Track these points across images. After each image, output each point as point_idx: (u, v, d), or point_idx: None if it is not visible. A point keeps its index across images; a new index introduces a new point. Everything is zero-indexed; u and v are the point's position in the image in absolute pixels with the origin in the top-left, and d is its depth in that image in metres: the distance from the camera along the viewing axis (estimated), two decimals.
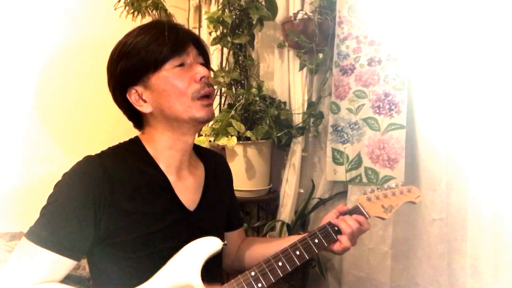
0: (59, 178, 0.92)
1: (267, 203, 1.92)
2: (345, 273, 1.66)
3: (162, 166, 0.99)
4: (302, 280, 1.69)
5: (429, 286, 1.45)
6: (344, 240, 1.01)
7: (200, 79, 0.95)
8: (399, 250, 1.53)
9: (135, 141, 1.01)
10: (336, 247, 1.02)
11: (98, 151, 0.98)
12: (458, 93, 1.34)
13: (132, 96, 0.96)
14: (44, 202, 0.89)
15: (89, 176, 0.89)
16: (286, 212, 1.77)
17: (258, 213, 1.95)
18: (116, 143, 1.03)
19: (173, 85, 0.93)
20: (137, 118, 1.02)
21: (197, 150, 1.14)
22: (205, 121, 0.99)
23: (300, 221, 1.75)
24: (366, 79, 1.56)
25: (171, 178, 0.99)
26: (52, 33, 1.78)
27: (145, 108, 0.96)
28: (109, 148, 1.00)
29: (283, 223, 1.73)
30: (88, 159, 0.93)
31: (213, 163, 1.14)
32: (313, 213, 1.77)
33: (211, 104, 0.99)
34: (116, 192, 0.89)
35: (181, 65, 0.95)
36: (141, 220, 0.91)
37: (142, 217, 0.92)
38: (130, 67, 0.93)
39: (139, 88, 0.95)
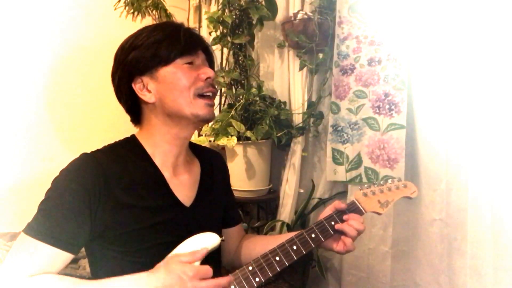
0: None
1: (267, 203, 1.92)
2: (345, 273, 1.66)
3: (157, 162, 1.00)
4: (302, 280, 1.69)
5: (429, 286, 1.44)
6: (348, 243, 1.02)
7: (206, 79, 0.99)
8: (399, 250, 1.52)
9: (131, 139, 1.03)
10: (339, 248, 1.03)
11: None
12: (458, 93, 1.34)
13: (137, 85, 0.98)
14: None
15: (84, 172, 0.90)
16: (286, 212, 1.77)
17: (258, 213, 1.95)
18: None
19: (179, 79, 0.96)
20: (136, 111, 1.03)
21: (193, 147, 1.16)
22: (206, 120, 1.02)
23: (300, 221, 1.75)
24: (366, 79, 1.56)
25: (166, 174, 1.00)
26: (52, 33, 1.78)
27: (148, 97, 0.98)
28: (105, 146, 1.01)
29: (283, 223, 1.73)
30: (83, 156, 0.95)
31: (209, 160, 1.16)
32: (313, 213, 1.76)
33: (212, 105, 1.02)
34: (112, 187, 0.91)
35: (190, 63, 0.99)
36: (137, 214, 0.93)
37: (138, 211, 0.93)
38: (142, 57, 0.96)
39: (146, 78, 0.98)
